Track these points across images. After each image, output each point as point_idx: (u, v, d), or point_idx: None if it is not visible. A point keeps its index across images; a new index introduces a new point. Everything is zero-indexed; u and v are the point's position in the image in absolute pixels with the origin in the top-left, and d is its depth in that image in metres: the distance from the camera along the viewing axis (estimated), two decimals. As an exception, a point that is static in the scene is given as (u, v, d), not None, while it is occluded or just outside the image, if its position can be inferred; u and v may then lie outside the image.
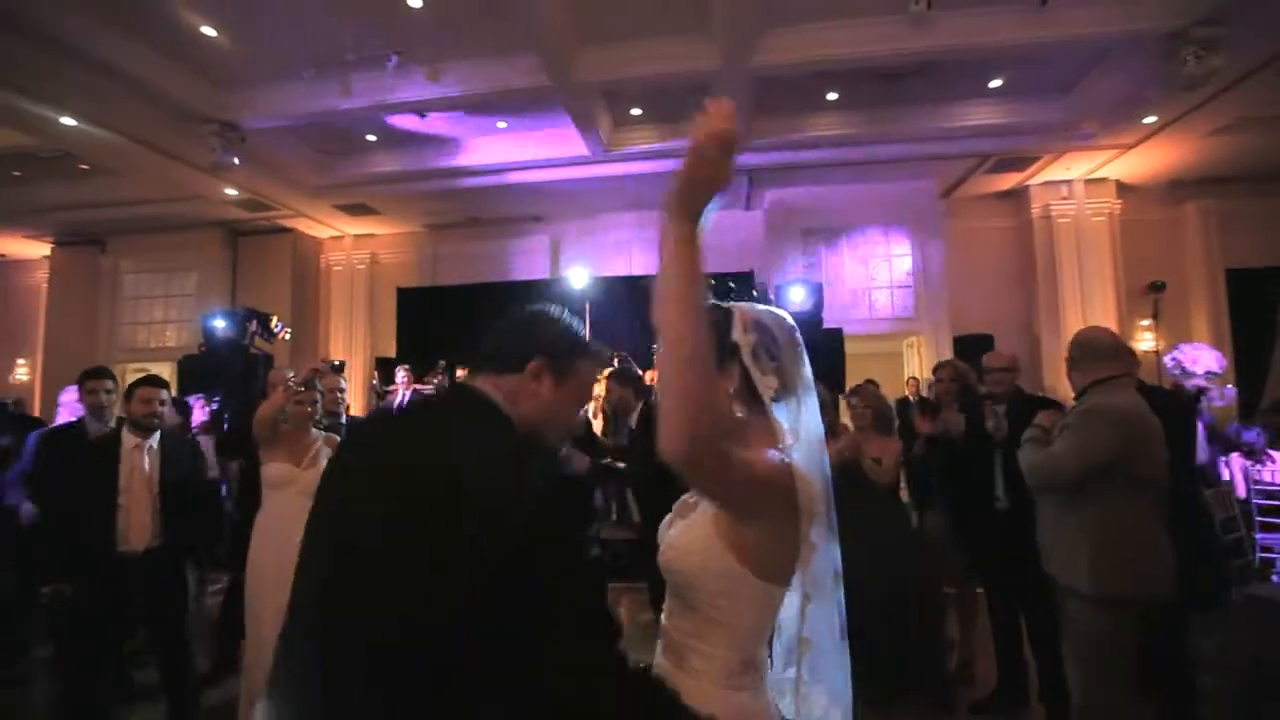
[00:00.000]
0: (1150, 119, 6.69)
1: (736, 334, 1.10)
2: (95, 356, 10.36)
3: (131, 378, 2.91)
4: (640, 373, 7.51)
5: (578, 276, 8.30)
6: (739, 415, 1.12)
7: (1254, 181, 8.04)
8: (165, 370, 8.54)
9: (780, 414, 1.11)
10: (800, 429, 1.11)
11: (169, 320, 10.52)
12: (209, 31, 5.51)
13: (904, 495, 3.54)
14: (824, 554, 1.10)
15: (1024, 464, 2.35)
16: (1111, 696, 2.09)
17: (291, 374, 2.74)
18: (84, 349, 10.39)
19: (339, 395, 3.47)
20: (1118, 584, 2.08)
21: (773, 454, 1.04)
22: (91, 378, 2.98)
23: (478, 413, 1.04)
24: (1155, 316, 8.43)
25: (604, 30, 5.59)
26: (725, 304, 1.17)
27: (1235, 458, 4.74)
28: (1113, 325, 7.79)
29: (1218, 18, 4.91)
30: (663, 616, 1.12)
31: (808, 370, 1.15)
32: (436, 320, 9.22)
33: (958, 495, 3.30)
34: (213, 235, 10.13)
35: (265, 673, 2.58)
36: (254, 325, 6.56)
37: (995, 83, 6.56)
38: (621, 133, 7.49)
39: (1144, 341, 8.25)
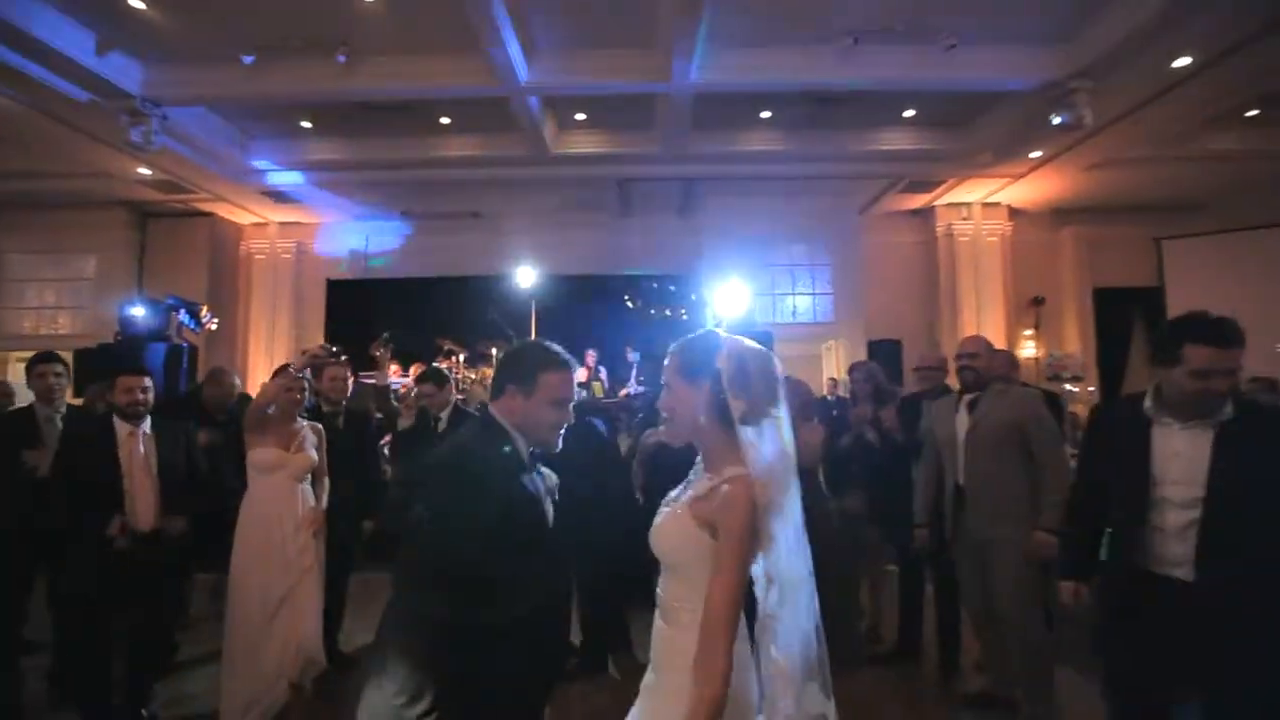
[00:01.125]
0: (1036, 154, 7.63)
1: (719, 361, 1.33)
2: (-30, 343, 9.39)
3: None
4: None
5: (524, 275, 8.39)
6: (704, 426, 1.34)
7: (1117, 212, 9.27)
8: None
9: (747, 432, 1.31)
10: (763, 446, 1.32)
11: (62, 306, 9.66)
12: (137, 4, 5.24)
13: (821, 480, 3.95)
14: (793, 551, 1.31)
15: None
16: (1039, 618, 2.87)
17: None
18: (-43, 334, 9.39)
19: (345, 384, 3.52)
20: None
21: (732, 470, 1.29)
22: (41, 361, 2.89)
23: (481, 423, 1.57)
24: (1036, 327, 9.56)
25: (554, 39, 5.78)
26: (724, 333, 1.38)
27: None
28: (1001, 334, 8.80)
29: (1088, 73, 5.75)
30: (658, 589, 1.39)
31: (783, 408, 1.35)
32: (369, 315, 9.01)
33: (876, 479, 3.75)
34: (117, 215, 9.40)
35: (250, 651, 2.62)
36: (180, 315, 6.20)
37: (908, 113, 7.29)
38: (566, 136, 7.66)
39: (1026, 349, 9.33)
